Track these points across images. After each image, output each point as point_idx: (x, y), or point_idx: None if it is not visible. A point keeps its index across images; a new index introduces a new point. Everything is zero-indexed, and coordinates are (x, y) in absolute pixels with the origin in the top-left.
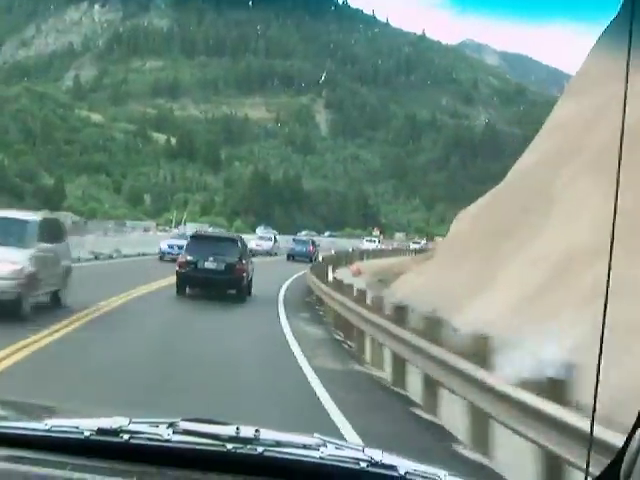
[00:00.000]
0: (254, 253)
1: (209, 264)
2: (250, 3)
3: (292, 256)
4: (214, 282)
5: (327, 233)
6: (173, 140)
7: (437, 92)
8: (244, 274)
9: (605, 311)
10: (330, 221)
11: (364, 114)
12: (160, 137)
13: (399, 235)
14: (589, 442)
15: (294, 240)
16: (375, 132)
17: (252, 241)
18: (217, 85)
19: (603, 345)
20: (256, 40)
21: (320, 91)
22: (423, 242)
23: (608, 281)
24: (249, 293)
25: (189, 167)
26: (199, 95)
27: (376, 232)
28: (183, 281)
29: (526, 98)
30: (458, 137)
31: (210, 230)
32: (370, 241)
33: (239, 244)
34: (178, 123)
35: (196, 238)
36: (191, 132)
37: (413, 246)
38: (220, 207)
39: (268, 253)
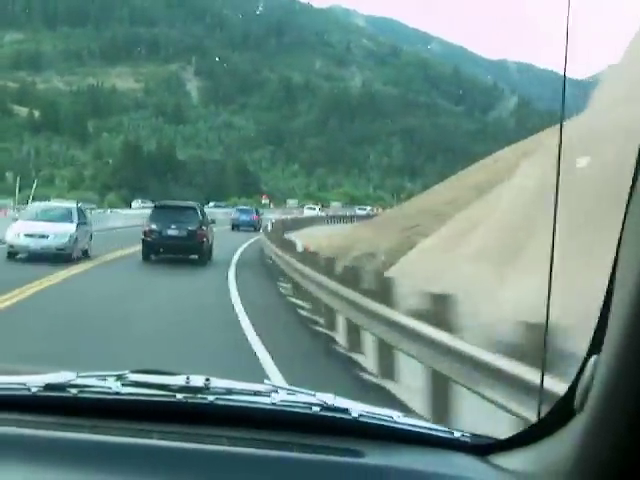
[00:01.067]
0: None
1: (172, 231)
2: None
3: (237, 226)
4: (177, 248)
5: (211, 204)
6: (37, 114)
7: (310, 56)
8: (204, 239)
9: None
10: (209, 191)
11: (236, 80)
12: (22, 110)
13: (291, 202)
14: (542, 372)
15: (237, 209)
16: (248, 98)
17: None
18: (81, 56)
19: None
20: (120, 8)
21: (189, 58)
22: (318, 208)
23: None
24: (209, 258)
25: (55, 141)
26: (63, 67)
27: (265, 200)
28: (148, 248)
29: (400, 59)
30: (335, 100)
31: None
32: (310, 209)
33: (199, 212)
34: (41, 96)
35: (159, 208)
36: (55, 104)
37: (359, 212)
38: (90, 182)
39: None
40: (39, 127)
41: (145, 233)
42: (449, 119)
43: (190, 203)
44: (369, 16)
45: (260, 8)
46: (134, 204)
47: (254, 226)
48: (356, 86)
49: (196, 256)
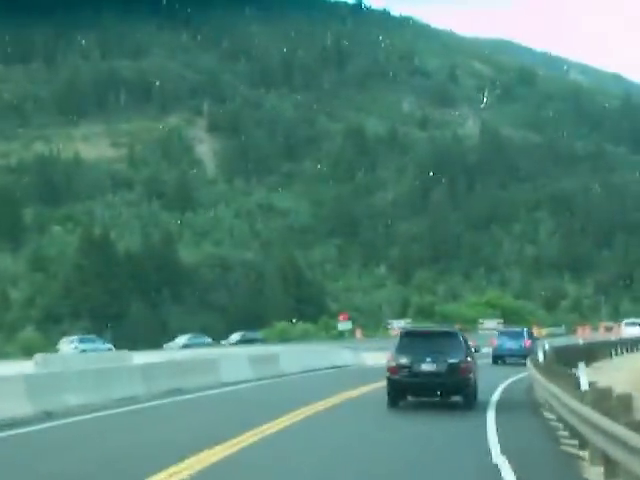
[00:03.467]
0: None
1: (427, 366)
2: None
3: (500, 357)
4: (434, 387)
5: (235, 335)
6: None
7: (394, 92)
8: (470, 375)
9: None
10: (237, 314)
11: (275, 137)
12: None
13: (396, 323)
14: None
15: (501, 333)
16: (297, 164)
17: None
18: (24, 109)
19: None
20: (86, 32)
21: (199, 105)
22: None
23: None
24: (475, 398)
25: None
26: None
27: (345, 323)
28: (396, 390)
29: (535, 89)
30: (438, 158)
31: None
32: (633, 324)
33: (461, 338)
34: None
35: (407, 335)
36: None
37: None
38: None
39: None
40: None
41: (391, 370)
42: (629, 175)
43: (448, 328)
44: (474, 38)
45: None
46: (64, 345)
47: (525, 356)
48: (471, 134)
49: (459, 397)
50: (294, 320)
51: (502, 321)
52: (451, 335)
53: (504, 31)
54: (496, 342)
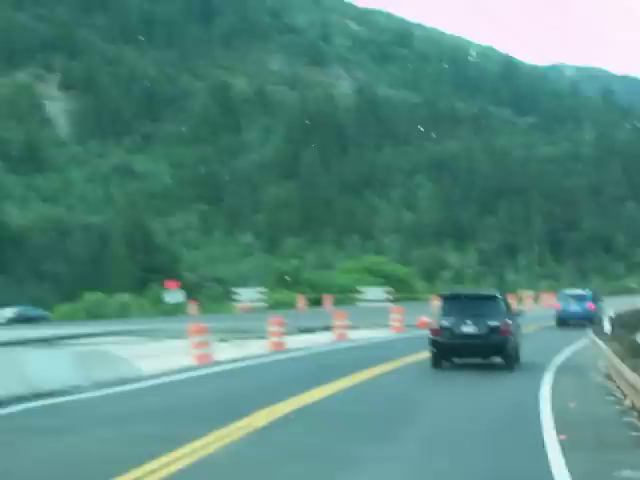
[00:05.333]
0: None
1: (467, 328)
2: None
3: (563, 320)
4: (475, 349)
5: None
6: None
7: (263, 49)
8: (510, 336)
9: None
10: (70, 282)
11: (134, 96)
12: None
13: (245, 294)
14: None
15: (564, 295)
16: (158, 125)
17: None
18: None
19: None
20: None
21: (49, 60)
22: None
23: None
24: (517, 361)
25: None
26: None
27: (173, 290)
28: (440, 351)
29: (413, 49)
30: (308, 119)
31: None
32: None
33: (502, 302)
34: None
35: (450, 299)
36: None
37: None
38: None
39: None
40: None
41: (433, 332)
42: (513, 138)
43: (491, 291)
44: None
45: None
46: None
47: (591, 319)
48: (344, 93)
49: (499, 358)
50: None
51: (392, 290)
52: (492, 299)
53: (379, 1)
54: (560, 305)
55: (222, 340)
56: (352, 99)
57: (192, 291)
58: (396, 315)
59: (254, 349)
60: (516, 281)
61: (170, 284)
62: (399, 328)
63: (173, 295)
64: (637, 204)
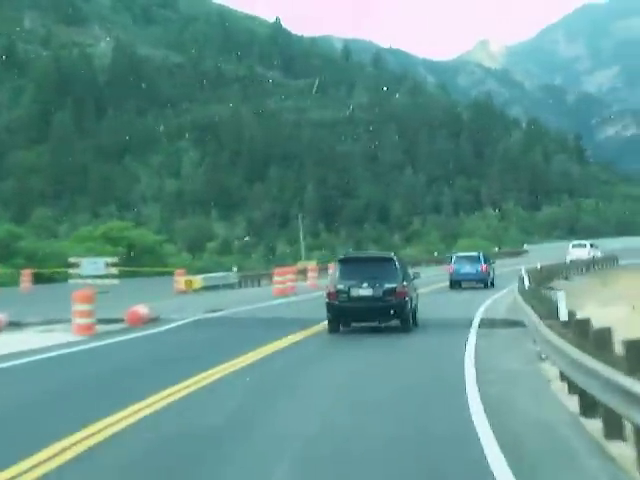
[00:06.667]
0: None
1: (363, 291)
2: None
3: (457, 282)
4: (371, 312)
5: None
6: None
7: (11, 7)
8: (406, 298)
9: None
10: None
11: None
12: None
13: None
14: None
15: (457, 257)
16: None
17: None
18: None
19: None
20: None
21: None
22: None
23: None
24: (415, 323)
25: None
26: None
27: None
28: (336, 315)
29: (178, 11)
30: (62, 80)
31: None
32: (579, 246)
33: (396, 264)
34: None
35: (345, 261)
36: None
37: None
38: None
39: None
40: None
41: (330, 295)
42: (283, 102)
43: (386, 253)
44: None
45: None
46: None
47: (483, 280)
48: (103, 54)
49: (397, 321)
50: None
51: (119, 261)
52: (388, 260)
53: None
54: (453, 267)
55: None
56: (110, 58)
57: None
58: (82, 306)
59: None
60: (288, 253)
61: None
62: (86, 329)
63: None
64: (414, 171)
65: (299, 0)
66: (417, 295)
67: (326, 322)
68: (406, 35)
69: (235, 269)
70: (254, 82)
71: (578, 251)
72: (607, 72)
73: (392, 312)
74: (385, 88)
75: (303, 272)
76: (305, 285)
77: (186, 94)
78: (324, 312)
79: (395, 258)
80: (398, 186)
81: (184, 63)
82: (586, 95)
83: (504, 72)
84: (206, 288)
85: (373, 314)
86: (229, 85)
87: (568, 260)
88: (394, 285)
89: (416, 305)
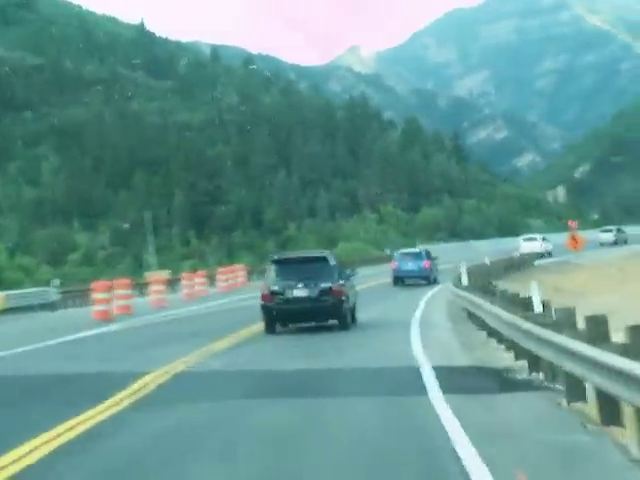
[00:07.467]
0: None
1: (299, 292)
2: None
3: (400, 278)
4: (308, 313)
5: None
6: None
7: None
8: (343, 297)
9: None
10: None
11: None
12: None
13: None
14: None
15: (400, 254)
16: None
17: None
18: None
19: None
20: None
21: None
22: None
23: None
24: (353, 321)
25: None
26: None
27: None
28: (271, 317)
29: (37, 12)
30: None
31: None
32: (530, 240)
33: (331, 262)
34: None
35: (279, 262)
36: None
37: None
38: None
39: None
40: None
41: (264, 297)
42: (148, 104)
43: (320, 252)
44: None
45: None
46: None
47: (426, 277)
48: None
49: (335, 321)
50: None
51: None
52: (322, 260)
53: None
54: (396, 264)
55: None
56: None
57: None
58: None
59: None
60: (156, 262)
61: None
62: None
63: None
64: (287, 173)
65: (163, 5)
66: (355, 293)
67: (155, 389)
68: (276, 42)
69: (57, 283)
70: (117, 84)
71: (530, 244)
72: (477, 76)
73: (329, 312)
74: (254, 91)
75: (143, 285)
76: (147, 302)
77: (45, 97)
78: (160, 351)
79: (330, 257)
80: (271, 190)
81: (42, 65)
82: (457, 99)
83: (376, 77)
84: (12, 310)
85: (310, 315)
86: (90, 87)
87: (518, 254)
88: (330, 284)
89: (354, 303)
